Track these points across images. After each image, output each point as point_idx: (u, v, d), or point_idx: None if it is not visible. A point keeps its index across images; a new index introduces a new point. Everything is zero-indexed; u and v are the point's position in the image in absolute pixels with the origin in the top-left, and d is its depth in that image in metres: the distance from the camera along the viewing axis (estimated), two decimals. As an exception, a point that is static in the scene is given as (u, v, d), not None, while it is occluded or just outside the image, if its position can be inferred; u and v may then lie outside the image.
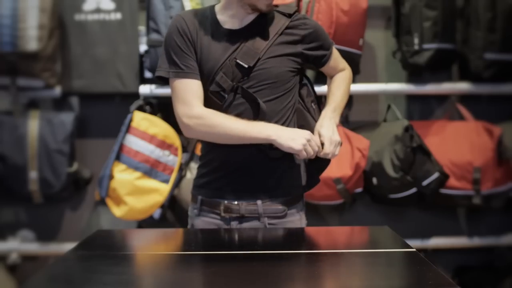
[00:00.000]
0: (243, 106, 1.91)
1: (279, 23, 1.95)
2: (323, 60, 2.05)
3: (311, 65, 2.08)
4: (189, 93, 1.90)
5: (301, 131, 1.91)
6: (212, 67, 1.91)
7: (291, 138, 1.85)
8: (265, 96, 1.91)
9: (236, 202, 1.96)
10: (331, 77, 2.14)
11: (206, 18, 1.94)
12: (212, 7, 1.98)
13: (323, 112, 2.02)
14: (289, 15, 1.97)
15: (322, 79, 2.22)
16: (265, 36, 1.93)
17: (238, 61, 1.89)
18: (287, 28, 1.95)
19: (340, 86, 2.09)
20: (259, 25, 1.94)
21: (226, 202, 1.96)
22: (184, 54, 1.91)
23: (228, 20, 1.94)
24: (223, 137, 1.89)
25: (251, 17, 1.94)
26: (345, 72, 2.14)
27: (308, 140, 1.87)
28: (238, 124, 1.87)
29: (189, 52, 1.91)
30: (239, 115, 1.91)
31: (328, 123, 1.96)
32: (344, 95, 2.08)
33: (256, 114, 1.90)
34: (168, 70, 1.92)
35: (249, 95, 1.90)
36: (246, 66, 1.89)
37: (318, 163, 2.02)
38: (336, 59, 2.10)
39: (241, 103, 1.91)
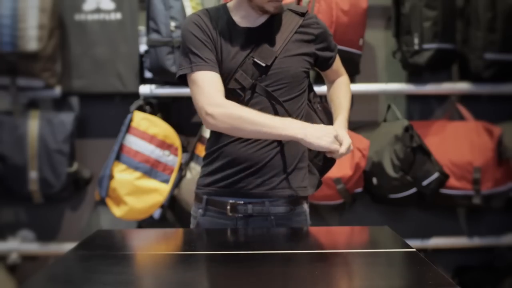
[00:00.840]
0: (260, 105, 1.90)
1: (293, 22, 1.96)
2: (330, 62, 2.06)
3: (316, 67, 2.08)
4: (210, 84, 1.85)
5: (326, 127, 1.83)
6: (232, 66, 1.90)
7: (316, 137, 1.78)
8: (282, 96, 1.91)
9: (243, 202, 1.94)
10: (331, 81, 2.14)
11: (220, 17, 1.94)
12: (224, 6, 1.98)
13: (338, 122, 1.99)
14: (301, 14, 1.98)
15: (322, 78, 2.22)
16: (280, 34, 1.94)
17: (255, 59, 1.89)
18: (301, 26, 1.96)
19: (347, 94, 2.10)
20: (274, 23, 1.95)
21: (233, 201, 1.94)
22: (205, 47, 1.88)
23: (242, 19, 1.94)
24: (247, 131, 1.83)
25: (265, 16, 1.94)
26: (346, 77, 2.15)
27: (336, 136, 1.80)
28: (263, 118, 1.81)
29: (210, 46, 1.88)
30: None
31: (345, 132, 1.92)
32: (350, 103, 2.09)
33: (273, 113, 1.89)
34: (189, 65, 1.87)
35: (268, 94, 1.90)
36: (263, 64, 1.89)
37: (323, 165, 2.03)
38: (339, 63, 2.12)
39: (258, 102, 1.90)
